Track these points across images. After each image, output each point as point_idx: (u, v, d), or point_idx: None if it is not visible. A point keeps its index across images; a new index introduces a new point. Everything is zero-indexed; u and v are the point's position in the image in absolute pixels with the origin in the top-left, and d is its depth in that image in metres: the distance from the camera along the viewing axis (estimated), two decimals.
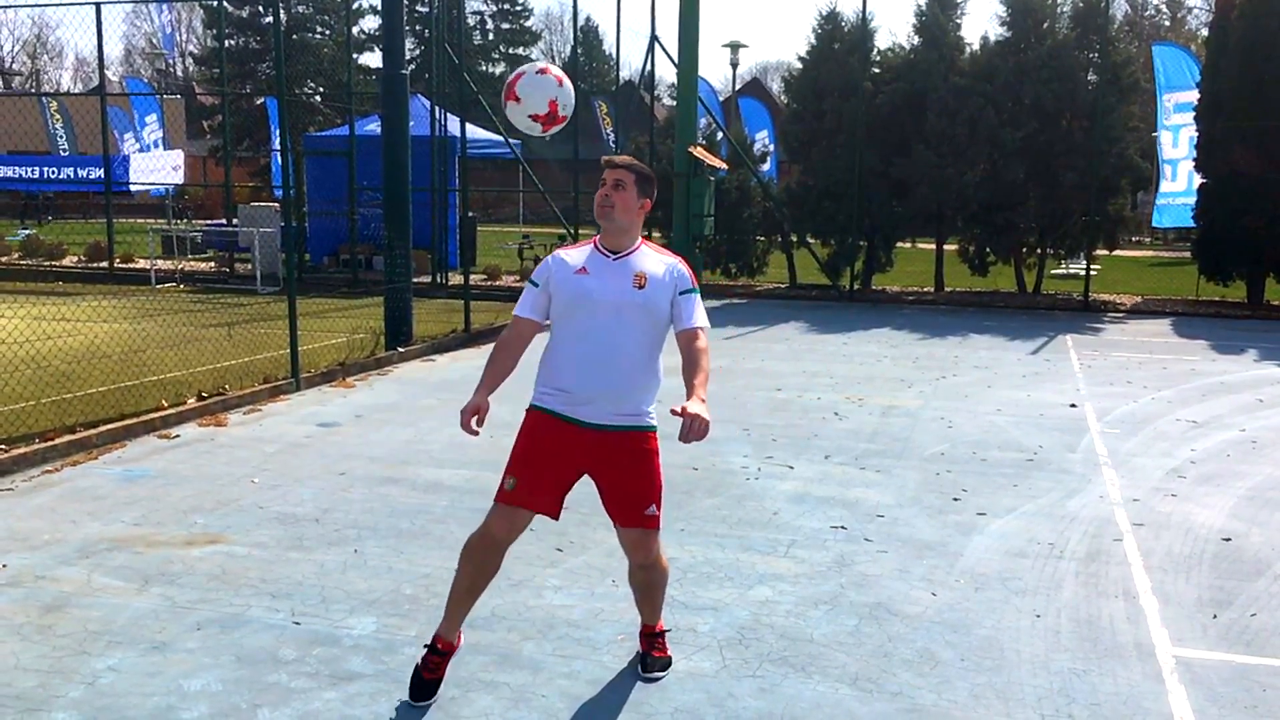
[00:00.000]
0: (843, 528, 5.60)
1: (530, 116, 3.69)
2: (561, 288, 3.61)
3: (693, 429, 3.28)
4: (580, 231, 18.29)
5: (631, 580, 3.89)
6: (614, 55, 54.66)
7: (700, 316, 3.63)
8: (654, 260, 3.65)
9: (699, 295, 3.69)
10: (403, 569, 4.87)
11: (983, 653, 4.10)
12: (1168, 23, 48.11)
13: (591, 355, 3.54)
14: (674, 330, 3.64)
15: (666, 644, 3.97)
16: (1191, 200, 16.65)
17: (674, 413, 3.31)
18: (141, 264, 19.72)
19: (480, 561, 3.66)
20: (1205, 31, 21.32)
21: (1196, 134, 16.40)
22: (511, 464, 3.65)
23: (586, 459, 3.63)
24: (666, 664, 3.91)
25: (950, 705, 3.68)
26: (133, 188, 19.67)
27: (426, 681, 3.64)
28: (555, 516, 3.68)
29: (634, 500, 3.65)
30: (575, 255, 3.67)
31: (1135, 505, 6.08)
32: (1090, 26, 16.88)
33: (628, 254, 3.63)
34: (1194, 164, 16.51)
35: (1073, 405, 8.91)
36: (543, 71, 3.70)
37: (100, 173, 18.27)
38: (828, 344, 12.36)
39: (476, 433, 3.55)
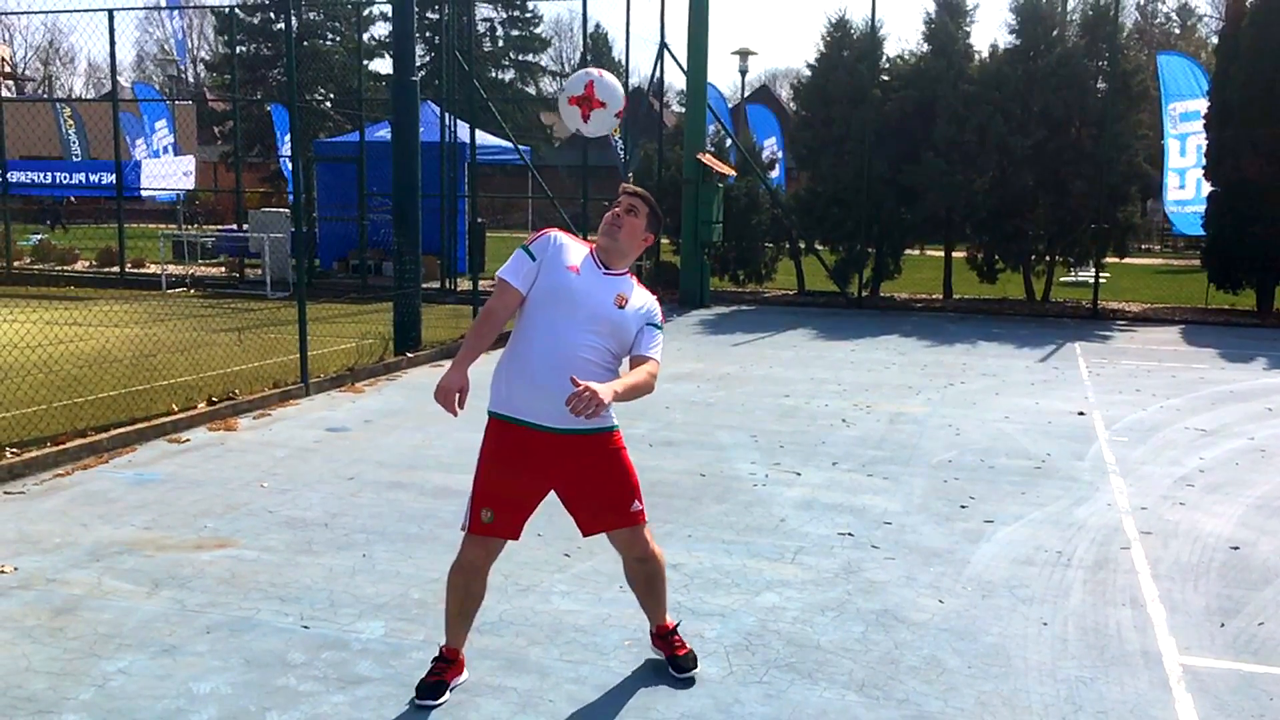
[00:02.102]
0: (850, 534, 5.60)
1: (615, 115, 3.79)
2: (550, 274, 3.61)
3: (578, 399, 3.23)
4: (588, 237, 18.33)
5: (632, 580, 3.92)
6: (623, 62, 54.70)
7: (658, 351, 3.68)
8: (637, 292, 3.71)
9: (662, 334, 3.73)
10: (411, 573, 4.89)
11: (989, 660, 4.10)
12: (1178, 30, 48.04)
13: (556, 356, 3.53)
14: (630, 355, 3.67)
15: (683, 638, 3.99)
16: (1201, 208, 16.63)
17: (573, 381, 3.28)
18: (152, 269, 19.82)
19: (464, 588, 3.73)
20: (1215, 40, 21.29)
21: (1205, 142, 16.39)
22: (482, 493, 3.63)
23: (557, 472, 3.64)
24: (694, 658, 3.93)
25: (957, 713, 3.68)
26: (143, 193, 19.77)
27: (429, 684, 3.69)
28: (517, 538, 3.73)
29: (617, 501, 3.70)
30: (573, 250, 3.68)
31: (1143, 513, 6.08)
32: (1100, 34, 16.88)
33: (618, 275, 3.70)
34: (1203, 172, 16.49)
35: (1081, 413, 8.90)
36: (600, 73, 3.78)
37: (112, 178, 18.37)
38: (835, 351, 12.36)
39: (456, 413, 3.51)
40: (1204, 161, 16.44)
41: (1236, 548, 5.49)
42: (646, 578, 3.89)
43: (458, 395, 3.52)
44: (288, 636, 4.18)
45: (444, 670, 3.75)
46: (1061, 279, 19.88)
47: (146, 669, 3.88)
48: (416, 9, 11.59)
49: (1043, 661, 4.10)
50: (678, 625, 4.04)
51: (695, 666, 3.90)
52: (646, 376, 3.56)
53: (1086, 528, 5.80)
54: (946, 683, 3.91)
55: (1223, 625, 4.48)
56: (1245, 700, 3.81)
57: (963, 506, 6.15)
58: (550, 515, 5.77)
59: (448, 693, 3.71)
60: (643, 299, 3.72)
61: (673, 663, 3.91)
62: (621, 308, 3.61)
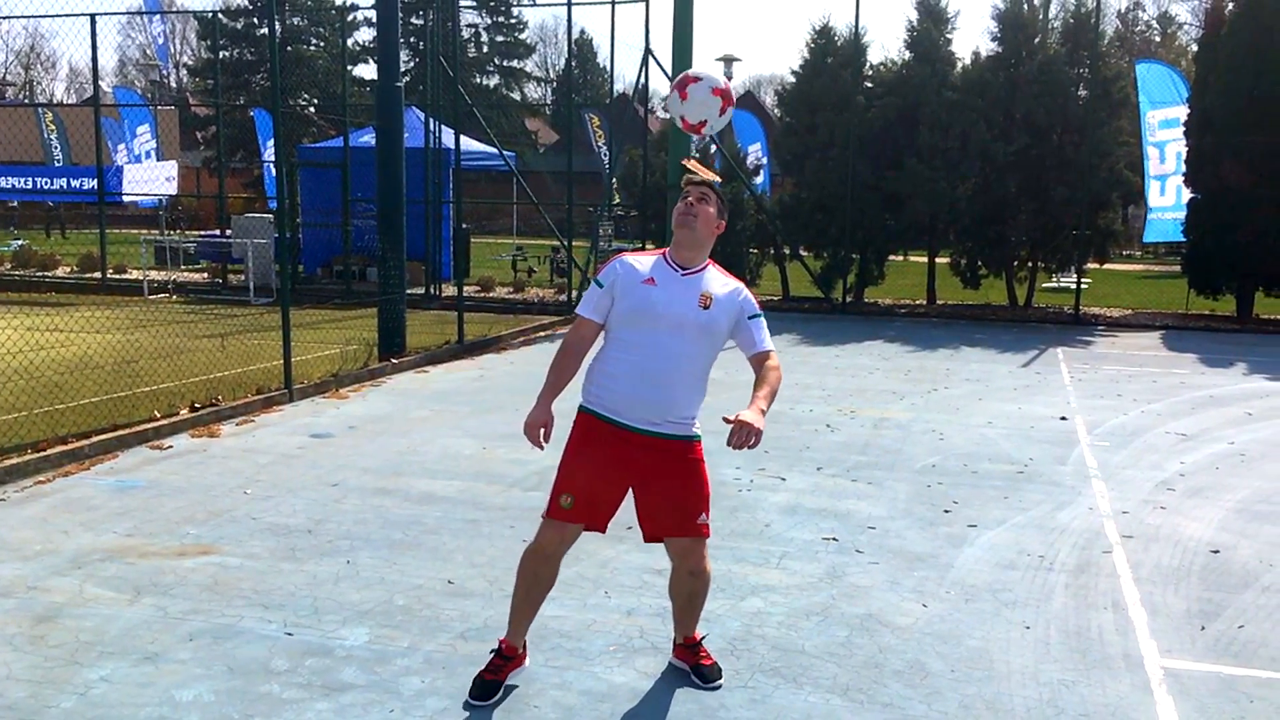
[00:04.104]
0: (834, 539, 5.62)
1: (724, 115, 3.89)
2: (626, 294, 3.65)
3: (739, 434, 3.31)
4: (573, 243, 18.34)
5: (677, 590, 3.92)
6: (608, 68, 54.79)
7: (769, 340, 3.73)
8: (719, 283, 3.71)
9: (764, 319, 3.77)
10: (395, 580, 4.88)
11: (973, 664, 4.12)
12: (1158, 38, 48.42)
13: (645, 366, 3.59)
14: (746, 354, 3.72)
15: (708, 650, 4.02)
16: (1181, 215, 16.76)
17: (725, 420, 3.36)
18: (134, 274, 19.72)
19: (533, 573, 3.76)
20: (1195, 47, 21.47)
21: (1185, 149, 16.53)
22: (564, 479, 3.69)
23: (638, 469, 3.67)
24: (720, 669, 3.95)
25: (940, 716, 3.70)
26: (125, 198, 19.67)
27: (485, 681, 3.74)
28: (604, 531, 3.77)
29: (687, 509, 3.72)
30: (643, 263, 3.71)
31: (1125, 517, 6.12)
32: (1081, 42, 17.00)
33: (696, 272, 3.69)
34: (1183, 179, 16.63)
35: (1063, 418, 8.95)
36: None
37: (94, 183, 18.27)
38: (820, 356, 12.40)
39: (543, 447, 3.63)
40: (1184, 168, 16.57)
41: (1217, 551, 5.54)
42: (692, 592, 3.90)
43: (541, 430, 3.61)
44: (271, 644, 4.16)
45: (501, 667, 3.77)
46: (1044, 285, 20.01)
47: (128, 677, 3.86)
48: (401, 15, 11.59)
49: (1025, 665, 4.12)
50: (704, 637, 4.08)
51: (721, 677, 3.92)
52: (775, 376, 3.61)
53: (1069, 532, 5.83)
54: (930, 686, 3.92)
55: (1203, 628, 4.51)
56: (1226, 703, 3.84)
57: (946, 511, 6.18)
58: (536, 521, 5.78)
59: (501, 690, 3.74)
60: (727, 288, 3.71)
61: (698, 672, 3.92)
62: (706, 308, 3.62)
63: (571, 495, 3.65)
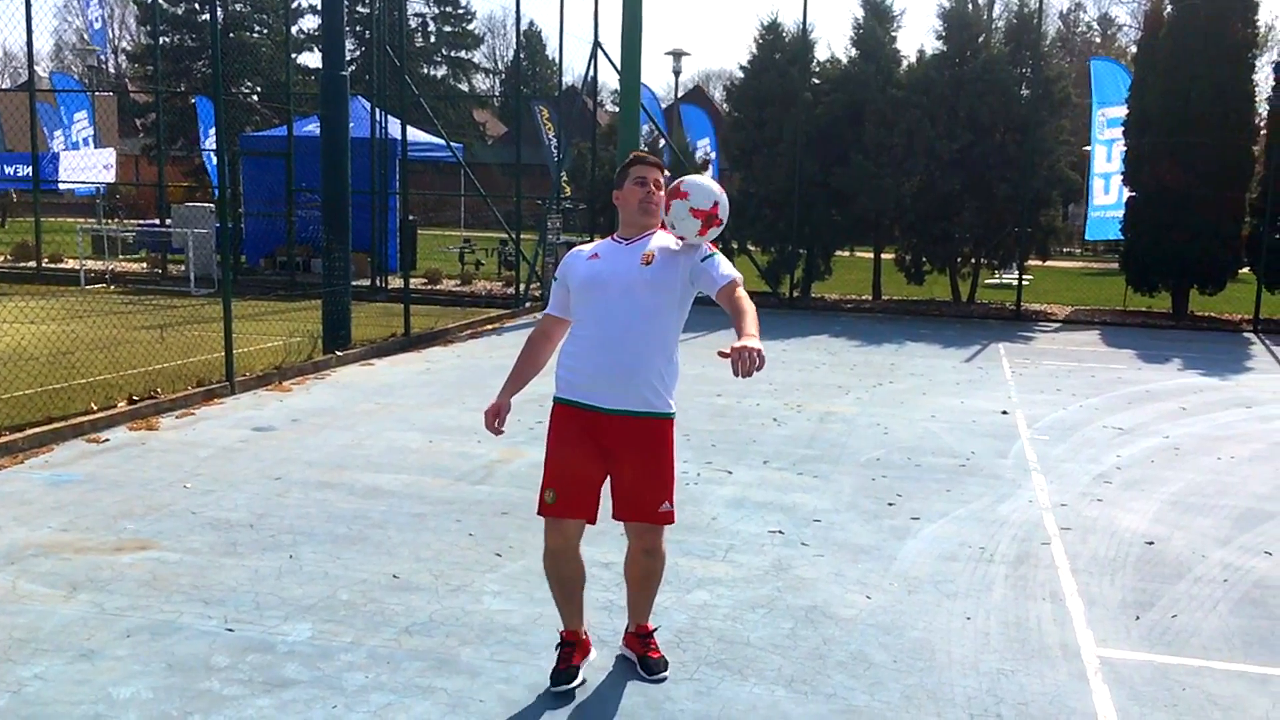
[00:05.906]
0: (780, 532, 5.66)
1: (692, 211, 3.64)
2: (575, 275, 3.74)
3: (742, 360, 3.18)
4: (521, 236, 18.27)
5: (633, 571, 3.92)
6: (557, 60, 54.57)
7: (729, 271, 3.60)
8: (665, 238, 3.72)
9: (720, 255, 3.68)
10: (339, 574, 4.83)
11: (915, 654, 4.18)
12: (1098, 40, 49.33)
13: (603, 336, 3.61)
14: (714, 296, 3.62)
15: (658, 643, 4.02)
16: (1121, 213, 17.09)
17: (721, 354, 3.26)
18: (71, 264, 19.27)
19: (555, 575, 3.81)
20: (1134, 49, 21.90)
21: (1125, 148, 16.85)
22: (547, 473, 3.73)
23: (608, 449, 3.68)
24: (667, 662, 3.96)
25: (883, 706, 3.75)
26: (61, 186, 19.22)
27: (560, 671, 3.78)
28: (593, 520, 3.76)
29: (650, 495, 3.73)
30: (589, 247, 3.83)
31: (1063, 510, 6.23)
32: (1024, 42, 17.26)
33: (640, 238, 3.73)
34: (1122, 178, 16.95)
35: (1004, 412, 9.10)
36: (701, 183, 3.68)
37: (29, 170, 17.83)
38: (767, 350, 12.40)
39: (500, 432, 3.70)
40: (1124, 167, 16.89)
41: (1151, 543, 5.66)
42: (646, 572, 3.91)
43: (496, 419, 3.71)
44: (211, 640, 4.10)
45: (570, 654, 3.81)
46: (986, 281, 20.31)
47: (64, 674, 3.78)
48: (346, 2, 11.44)
49: (966, 655, 4.19)
50: (657, 629, 4.09)
51: (666, 670, 3.93)
52: (750, 305, 3.48)
53: (1009, 524, 5.93)
54: (873, 677, 3.97)
55: (1138, 618, 4.61)
56: (1159, 690, 3.93)
57: (890, 504, 6.25)
58: (483, 515, 5.76)
59: (580, 675, 3.79)
60: (674, 240, 3.69)
61: (644, 663, 3.93)
62: (649, 264, 3.62)
63: (553, 490, 3.68)
